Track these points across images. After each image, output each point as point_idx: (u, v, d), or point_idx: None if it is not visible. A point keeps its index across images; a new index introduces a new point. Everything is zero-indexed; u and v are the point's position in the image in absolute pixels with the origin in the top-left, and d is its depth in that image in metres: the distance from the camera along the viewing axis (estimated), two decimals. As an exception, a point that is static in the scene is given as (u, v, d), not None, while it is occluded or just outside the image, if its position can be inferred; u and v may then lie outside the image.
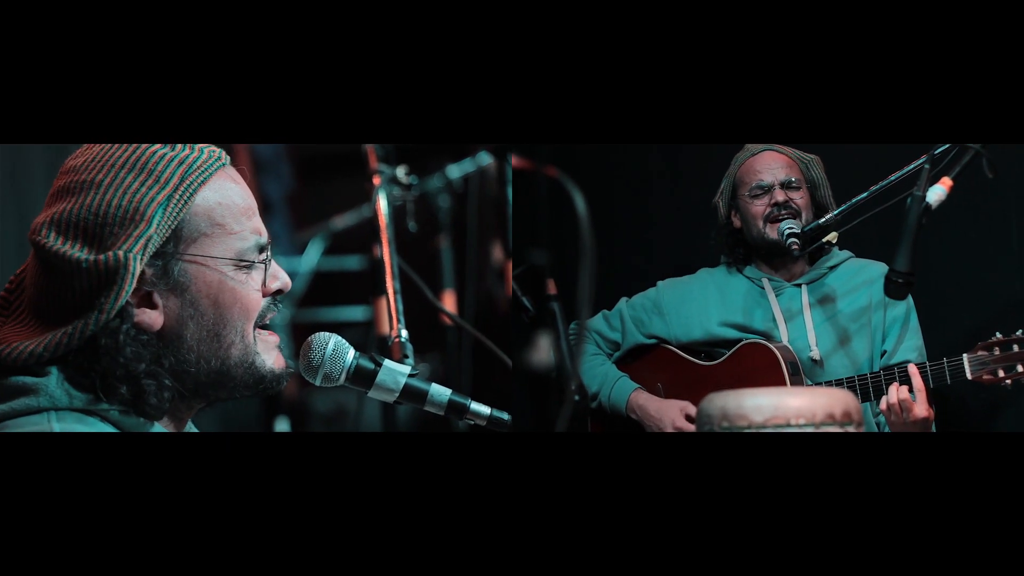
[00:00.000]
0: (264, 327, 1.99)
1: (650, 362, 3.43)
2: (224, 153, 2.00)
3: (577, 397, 1.86)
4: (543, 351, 1.76)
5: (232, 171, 1.99)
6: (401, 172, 2.90)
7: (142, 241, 1.85)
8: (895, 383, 2.93)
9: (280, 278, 2.01)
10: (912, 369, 2.93)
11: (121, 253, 1.84)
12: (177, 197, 1.89)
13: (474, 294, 4.07)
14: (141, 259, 1.85)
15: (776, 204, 3.23)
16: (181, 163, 1.91)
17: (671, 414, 3.26)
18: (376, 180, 2.75)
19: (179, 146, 1.94)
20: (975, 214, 3.42)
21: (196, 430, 2.05)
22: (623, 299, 3.48)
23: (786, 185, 3.24)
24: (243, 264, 1.94)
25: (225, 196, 1.95)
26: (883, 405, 2.94)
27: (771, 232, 3.23)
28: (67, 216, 1.89)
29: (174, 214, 1.89)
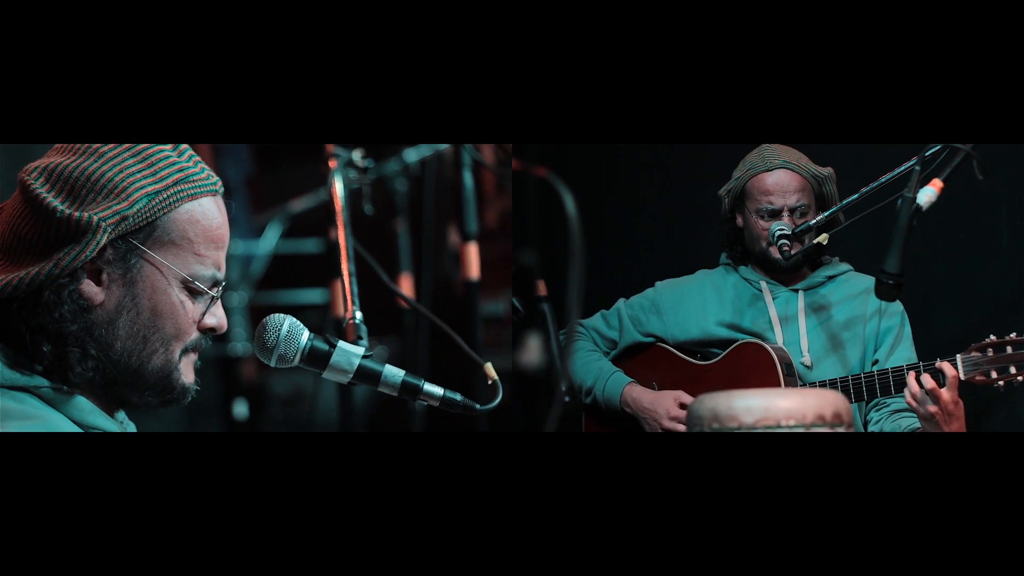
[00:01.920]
0: (193, 350, 2.02)
1: (645, 361, 3.42)
2: (219, 182, 2.04)
3: (568, 398, 1.87)
4: (533, 352, 1.77)
5: (221, 202, 2.03)
6: (357, 156, 2.91)
7: (117, 217, 1.89)
8: (912, 374, 2.89)
9: (218, 316, 2.03)
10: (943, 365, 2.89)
11: (96, 218, 1.88)
12: (164, 196, 1.94)
13: (430, 277, 4.09)
14: (110, 233, 1.89)
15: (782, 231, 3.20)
16: (180, 171, 1.96)
17: (665, 405, 3.24)
18: (332, 163, 2.75)
19: (186, 156, 1.99)
20: (965, 216, 3.41)
21: (132, 427, 2.06)
22: (621, 299, 3.48)
23: (794, 211, 3.19)
24: (191, 287, 1.98)
25: (206, 218, 1.98)
26: (907, 397, 2.91)
27: (774, 252, 3.19)
28: (60, 169, 1.93)
29: (155, 210, 1.93)
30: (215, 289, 2.02)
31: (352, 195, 2.78)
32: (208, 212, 1.99)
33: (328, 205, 2.62)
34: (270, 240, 4.97)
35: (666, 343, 3.39)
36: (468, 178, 3.30)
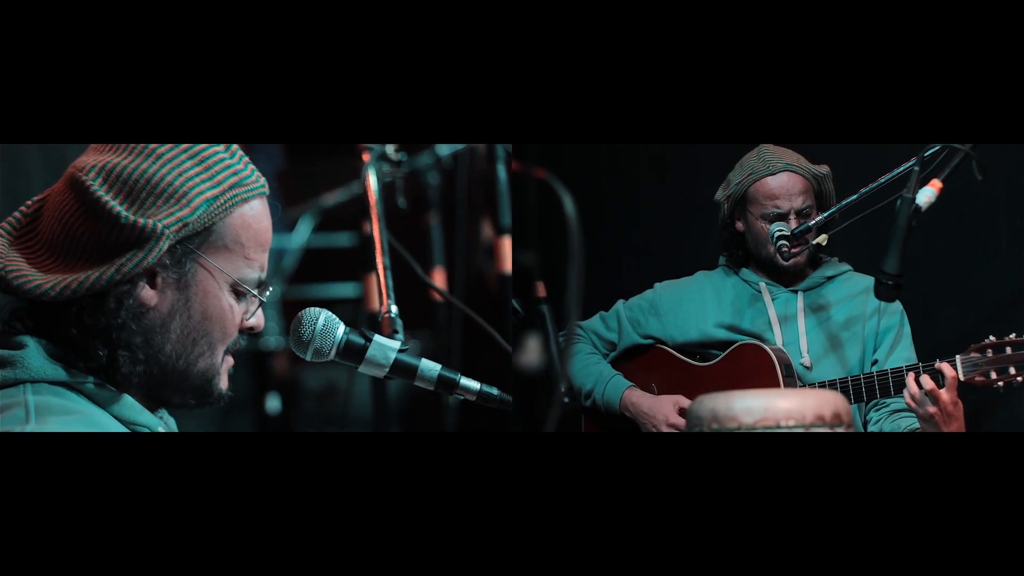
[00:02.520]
0: (232, 352, 2.03)
1: (645, 363, 3.41)
2: (266, 182, 2.05)
3: (567, 399, 1.86)
4: (532, 353, 1.76)
5: (266, 203, 2.04)
6: (391, 149, 2.90)
7: (179, 224, 1.90)
8: (912, 375, 2.89)
9: (258, 318, 2.05)
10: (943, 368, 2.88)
11: (160, 225, 1.88)
12: (222, 201, 1.94)
13: (463, 271, 4.08)
14: (172, 239, 1.89)
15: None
16: (235, 173, 1.97)
17: (665, 410, 3.24)
18: (366, 157, 2.75)
19: (238, 156, 2.00)
20: (964, 216, 3.40)
21: (174, 424, 2.07)
22: (620, 301, 3.47)
23: (800, 213, 3.18)
24: (239, 290, 1.99)
25: (257, 222, 2.00)
26: (907, 398, 2.90)
27: (779, 258, 3.19)
28: (118, 169, 1.92)
29: (213, 215, 1.93)
30: (260, 291, 2.02)
31: (385, 188, 2.78)
32: (259, 215, 2.00)
33: (362, 199, 2.62)
34: (302, 234, 4.97)
35: (665, 345, 3.38)
36: (501, 171, 3.29)
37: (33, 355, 1.88)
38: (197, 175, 1.93)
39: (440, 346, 4.14)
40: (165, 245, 1.88)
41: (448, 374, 2.09)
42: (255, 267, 2.00)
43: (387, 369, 2.08)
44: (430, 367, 2.09)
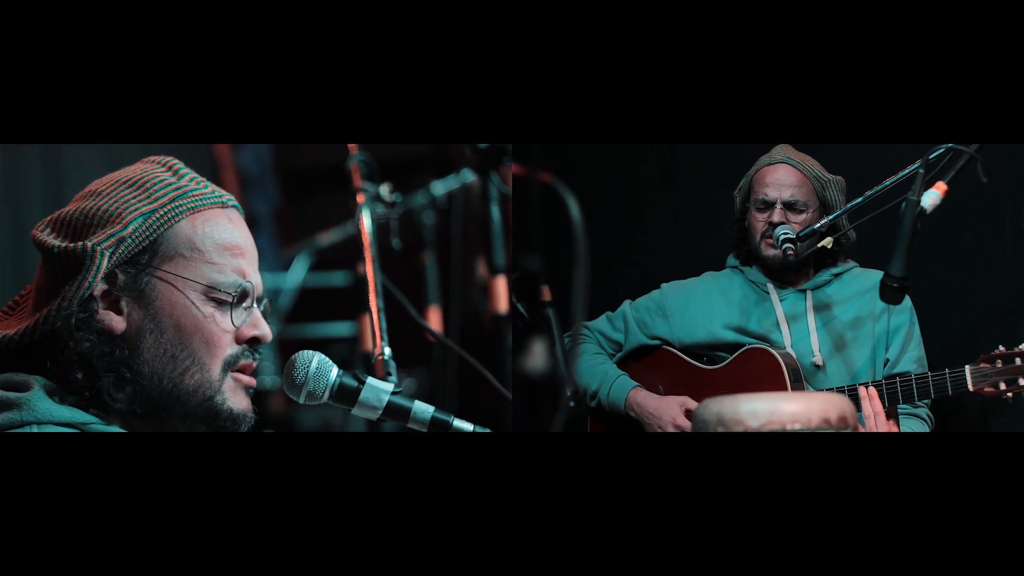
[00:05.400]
0: (240, 371, 2.00)
1: (651, 364, 3.40)
2: (231, 197, 2.05)
3: (572, 403, 1.86)
4: (538, 357, 1.76)
5: (234, 214, 2.04)
6: (385, 190, 2.91)
7: (113, 240, 1.91)
8: (866, 399, 2.92)
9: (259, 328, 2.02)
10: (869, 392, 2.92)
11: (89, 244, 1.90)
12: (161, 213, 1.95)
13: (459, 310, 4.08)
14: (110, 256, 1.90)
15: (771, 224, 3.20)
16: (177, 189, 1.98)
17: (671, 411, 3.23)
18: (360, 198, 2.75)
19: (187, 177, 2.01)
20: (969, 218, 3.40)
21: None
22: (627, 301, 3.47)
23: (789, 206, 3.19)
24: (213, 295, 1.97)
25: (212, 227, 1.99)
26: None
27: (765, 249, 3.21)
28: (63, 216, 1.97)
29: (153, 227, 1.94)
30: (247, 300, 2.01)
31: (380, 229, 2.78)
32: (215, 223, 1.99)
33: (356, 240, 2.62)
34: (298, 273, 4.97)
35: (672, 346, 3.37)
36: (495, 211, 3.29)
37: (39, 398, 1.88)
38: (133, 197, 1.95)
39: (436, 384, 4.13)
40: (103, 263, 1.90)
41: (441, 416, 2.09)
42: (226, 271, 1.98)
43: (380, 411, 2.07)
44: (423, 409, 2.09)
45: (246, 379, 2.01)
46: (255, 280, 2.02)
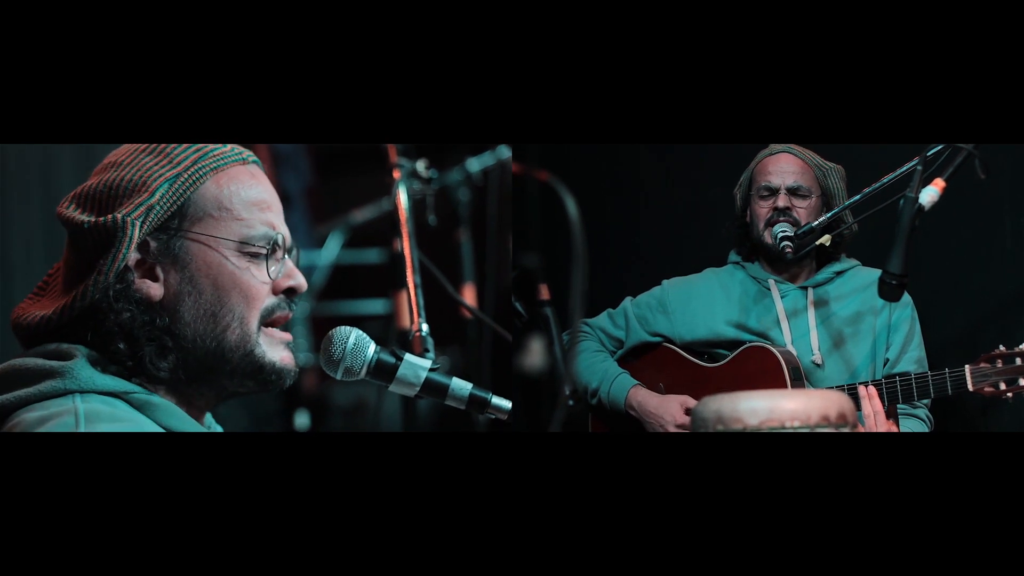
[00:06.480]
0: (273, 324, 2.01)
1: (652, 362, 3.40)
2: (250, 153, 2.06)
3: (571, 402, 1.86)
4: (536, 356, 1.76)
5: (255, 169, 2.05)
6: (421, 166, 2.90)
7: (142, 208, 1.92)
8: (866, 398, 2.92)
9: (295, 278, 2.03)
10: (869, 391, 2.91)
11: (120, 216, 1.91)
12: (185, 176, 1.96)
13: (494, 287, 4.07)
14: (140, 225, 1.91)
15: (776, 209, 3.20)
16: (197, 150, 1.99)
17: (671, 410, 3.23)
18: (396, 174, 2.75)
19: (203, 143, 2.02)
20: (968, 215, 3.39)
21: (220, 429, 2.07)
22: (628, 298, 3.47)
23: (793, 191, 3.20)
24: (246, 251, 1.98)
25: (237, 184, 2.00)
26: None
27: (768, 236, 3.21)
28: (86, 190, 1.98)
29: (180, 191, 1.95)
30: (278, 251, 2.02)
31: (415, 205, 2.77)
32: (238, 179, 2.01)
33: (392, 216, 2.61)
34: (331, 250, 4.98)
35: (673, 343, 3.37)
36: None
37: (82, 366, 1.90)
38: (155, 163, 1.97)
39: (470, 362, 4.13)
40: (135, 233, 1.91)
41: (480, 393, 2.08)
42: (255, 225, 2.00)
43: (418, 388, 2.06)
44: (461, 386, 2.07)
45: (280, 334, 2.02)
46: (284, 231, 2.04)
